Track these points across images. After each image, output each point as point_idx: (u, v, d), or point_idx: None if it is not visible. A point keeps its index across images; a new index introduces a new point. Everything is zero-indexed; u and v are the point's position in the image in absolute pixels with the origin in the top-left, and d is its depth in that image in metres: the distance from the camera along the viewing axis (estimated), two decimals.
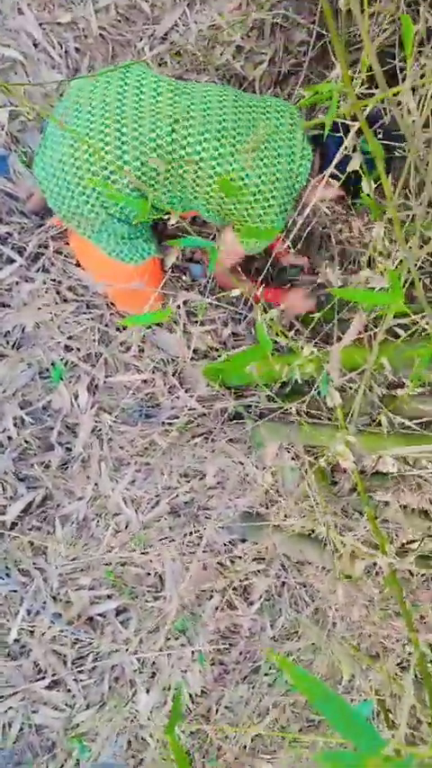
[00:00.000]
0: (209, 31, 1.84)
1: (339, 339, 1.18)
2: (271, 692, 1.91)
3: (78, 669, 1.78)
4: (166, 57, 1.89)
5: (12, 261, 1.73)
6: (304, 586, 1.92)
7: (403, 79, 0.65)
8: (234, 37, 1.83)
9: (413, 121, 0.71)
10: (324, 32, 1.74)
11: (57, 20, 1.81)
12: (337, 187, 1.39)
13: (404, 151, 1.29)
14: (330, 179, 1.28)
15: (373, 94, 0.94)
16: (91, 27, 1.83)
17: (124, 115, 1.32)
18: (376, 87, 0.70)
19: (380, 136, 1.36)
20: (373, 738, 0.36)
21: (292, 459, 1.75)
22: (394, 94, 0.59)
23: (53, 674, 1.75)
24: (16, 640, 1.73)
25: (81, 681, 1.78)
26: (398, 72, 1.32)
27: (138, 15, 1.88)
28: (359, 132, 0.98)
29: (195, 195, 1.42)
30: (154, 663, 1.84)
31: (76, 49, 1.84)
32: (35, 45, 1.81)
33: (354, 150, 0.98)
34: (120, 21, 1.87)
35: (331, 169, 0.97)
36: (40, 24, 1.80)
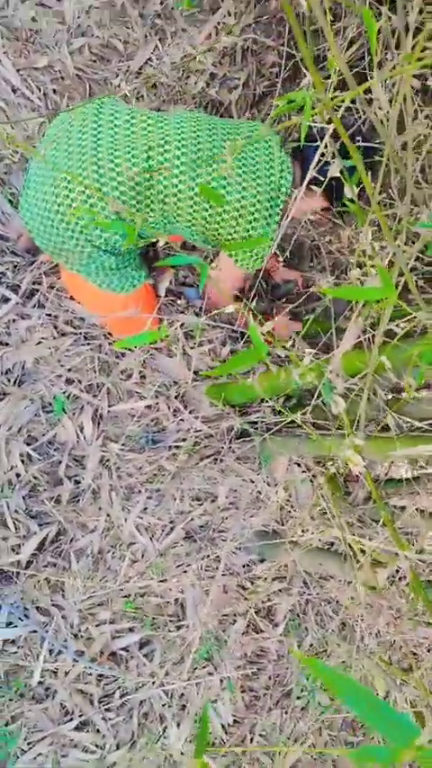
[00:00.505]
0: (182, 62, 1.89)
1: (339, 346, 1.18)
2: (305, 715, 1.85)
3: (106, 707, 1.73)
4: (142, 90, 1.93)
5: (7, 300, 1.74)
6: (329, 602, 1.88)
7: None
8: (207, 65, 1.87)
9: (386, 115, 0.72)
10: (294, 52, 1.79)
11: (33, 65, 1.86)
12: (320, 194, 1.41)
13: (382, 156, 1.30)
14: (313, 187, 1.29)
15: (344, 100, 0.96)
16: (67, 69, 1.88)
17: (100, 149, 1.35)
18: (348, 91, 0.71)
19: (358, 143, 1.38)
20: (407, 729, 0.34)
21: (303, 471, 1.73)
22: (365, 91, 0.60)
23: (80, 715, 1.71)
24: (40, 682, 1.69)
25: (110, 719, 1.73)
26: (369, 79, 1.35)
27: (112, 53, 1.93)
28: (336, 138, 0.99)
29: (178, 219, 1.44)
30: (182, 694, 1.79)
31: (54, 91, 1.89)
32: (14, 91, 1.86)
33: (333, 156, 0.99)
34: (95, 60, 1.92)
35: (311, 173, 0.98)
36: (18, 71, 1.85)
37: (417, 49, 0.60)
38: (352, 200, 1.01)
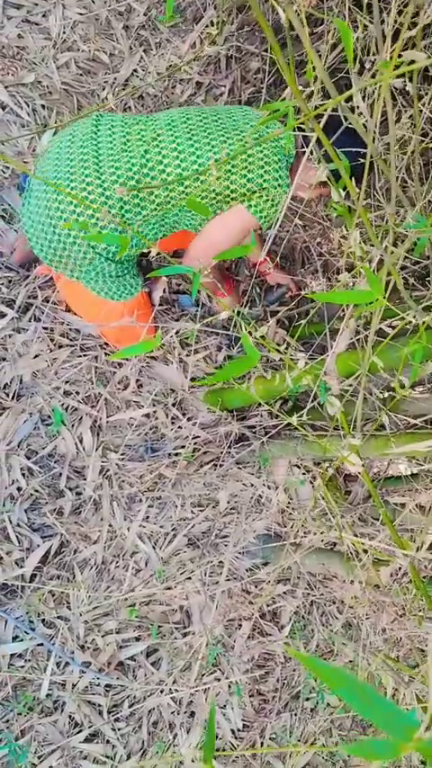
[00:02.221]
0: (168, 72, 1.91)
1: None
2: (314, 716, 1.85)
3: (115, 718, 1.73)
4: (129, 101, 1.95)
5: (3, 315, 1.75)
6: (333, 602, 1.88)
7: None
8: (192, 74, 1.89)
9: (366, 123, 0.73)
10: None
11: (21, 81, 1.88)
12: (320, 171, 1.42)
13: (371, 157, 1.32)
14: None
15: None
16: (54, 83, 1.90)
17: (101, 159, 1.38)
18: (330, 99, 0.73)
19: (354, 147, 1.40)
20: (406, 721, 0.35)
21: (303, 473, 1.74)
22: (346, 100, 0.61)
23: (90, 726, 1.71)
24: (48, 695, 1.69)
25: (119, 729, 1.73)
26: (353, 85, 1.37)
27: (98, 67, 1.95)
28: (321, 144, 1.00)
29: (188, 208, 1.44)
30: (191, 702, 1.79)
31: (43, 106, 1.91)
32: (3, 108, 1.87)
33: (319, 162, 1.00)
34: (81, 74, 1.94)
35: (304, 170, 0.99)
36: (6, 87, 1.87)
37: (394, 55, 0.62)
38: (338, 203, 1.02)
